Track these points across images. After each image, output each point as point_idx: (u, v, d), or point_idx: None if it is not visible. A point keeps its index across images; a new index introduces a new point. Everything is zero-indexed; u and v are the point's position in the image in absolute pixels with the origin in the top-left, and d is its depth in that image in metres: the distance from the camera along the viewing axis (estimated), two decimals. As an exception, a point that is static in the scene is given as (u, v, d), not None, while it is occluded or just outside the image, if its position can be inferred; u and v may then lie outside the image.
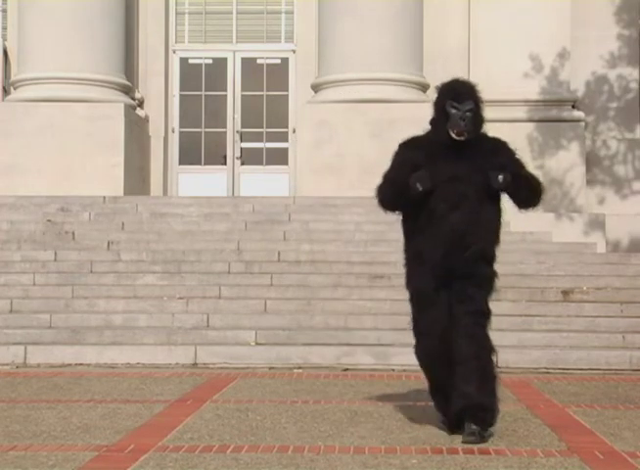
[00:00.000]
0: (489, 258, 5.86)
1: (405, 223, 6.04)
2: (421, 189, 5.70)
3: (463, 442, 5.55)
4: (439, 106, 5.86)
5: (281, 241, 12.10)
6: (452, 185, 5.71)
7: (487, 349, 5.77)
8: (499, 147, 5.96)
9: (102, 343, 9.62)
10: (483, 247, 5.78)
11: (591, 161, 15.91)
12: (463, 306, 5.73)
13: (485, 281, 5.82)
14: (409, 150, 5.94)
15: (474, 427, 5.57)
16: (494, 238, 5.87)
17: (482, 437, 5.57)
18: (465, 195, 5.71)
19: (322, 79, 15.10)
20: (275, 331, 9.83)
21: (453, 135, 5.77)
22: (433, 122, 5.93)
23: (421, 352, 6.00)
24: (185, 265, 11.42)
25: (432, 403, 6.80)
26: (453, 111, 5.77)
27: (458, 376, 5.67)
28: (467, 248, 5.70)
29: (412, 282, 5.96)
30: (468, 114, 5.78)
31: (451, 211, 5.69)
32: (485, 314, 5.80)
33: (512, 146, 6.03)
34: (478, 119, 5.83)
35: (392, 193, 5.97)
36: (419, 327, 5.96)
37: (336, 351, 9.36)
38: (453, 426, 5.78)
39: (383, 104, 14.43)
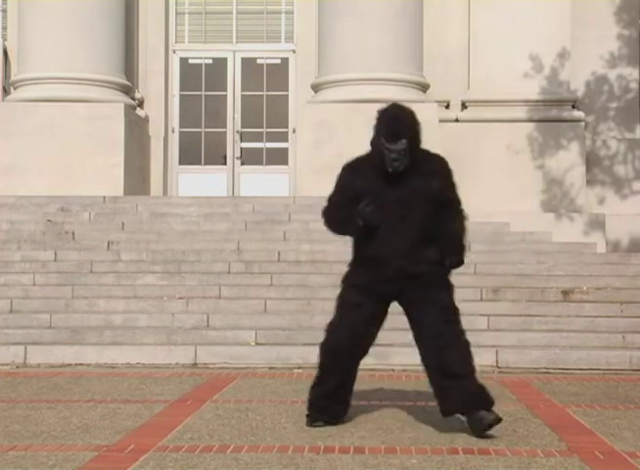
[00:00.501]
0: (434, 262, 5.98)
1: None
2: (365, 223, 5.87)
3: (484, 429, 5.71)
4: (375, 140, 5.98)
5: (281, 241, 12.10)
6: (393, 210, 5.86)
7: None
8: (438, 169, 6.05)
9: (102, 343, 9.62)
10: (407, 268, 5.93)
11: (591, 161, 15.91)
12: (428, 311, 5.93)
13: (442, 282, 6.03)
14: (351, 174, 6.07)
15: (483, 412, 5.74)
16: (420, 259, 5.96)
17: (494, 413, 5.75)
18: (404, 219, 5.87)
19: (322, 79, 15.10)
20: (275, 331, 9.83)
21: (390, 170, 5.88)
22: (372, 145, 6.04)
23: (332, 344, 6.12)
24: (185, 265, 11.42)
25: (432, 403, 6.81)
26: (386, 152, 5.86)
27: (446, 370, 5.83)
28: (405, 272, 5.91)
29: (350, 281, 6.21)
30: (402, 152, 5.85)
31: (391, 237, 5.87)
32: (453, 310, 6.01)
33: (449, 166, 6.10)
34: (412, 151, 5.88)
35: (339, 221, 6.13)
36: (337, 323, 6.17)
37: (336, 351, 9.35)
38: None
39: (383, 104, 14.40)
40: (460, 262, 6.01)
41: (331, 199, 6.18)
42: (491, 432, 5.77)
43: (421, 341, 6.04)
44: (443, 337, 5.90)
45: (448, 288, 6.04)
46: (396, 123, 5.89)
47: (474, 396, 5.84)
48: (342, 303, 6.22)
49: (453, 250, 5.98)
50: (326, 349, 6.16)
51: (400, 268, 5.92)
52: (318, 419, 6.08)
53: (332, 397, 6.12)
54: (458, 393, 5.82)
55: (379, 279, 5.99)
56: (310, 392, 6.18)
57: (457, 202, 6.08)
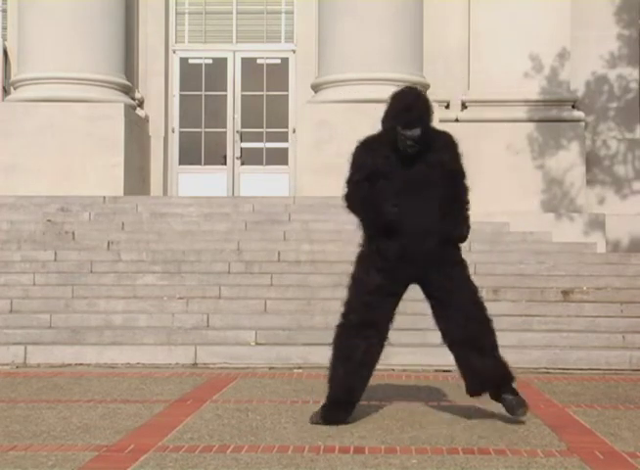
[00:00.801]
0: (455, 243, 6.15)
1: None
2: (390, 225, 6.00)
3: (517, 414, 6.07)
4: (389, 124, 6.05)
5: (281, 241, 12.10)
6: (411, 188, 5.94)
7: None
8: (446, 143, 6.15)
9: (102, 343, 9.62)
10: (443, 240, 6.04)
11: (591, 161, 15.91)
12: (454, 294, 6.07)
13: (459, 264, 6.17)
14: (366, 152, 6.14)
15: (510, 396, 6.08)
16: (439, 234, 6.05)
17: (520, 396, 6.09)
18: (424, 197, 5.96)
19: (322, 79, 15.10)
20: (275, 331, 9.83)
21: (407, 149, 5.97)
22: (384, 126, 6.12)
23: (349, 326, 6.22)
24: (185, 265, 11.42)
25: (432, 403, 6.83)
26: (402, 137, 5.95)
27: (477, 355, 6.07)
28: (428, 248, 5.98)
29: (370, 262, 6.14)
30: (417, 138, 5.94)
31: (412, 216, 5.94)
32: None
33: (455, 140, 6.21)
34: (426, 134, 5.96)
35: (361, 203, 6.22)
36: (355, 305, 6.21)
37: (336, 351, 9.34)
38: None
39: (383, 104, 14.37)
40: (464, 238, 6.15)
41: (350, 180, 6.24)
42: (490, 432, 5.78)
43: (447, 318, 6.11)
44: (472, 314, 6.06)
45: (466, 266, 6.20)
46: (412, 112, 5.94)
47: (499, 376, 6.10)
48: (361, 284, 6.17)
49: (464, 224, 6.14)
50: (341, 332, 6.20)
51: (427, 249, 5.98)
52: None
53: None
54: (486, 372, 6.06)
55: (404, 261, 6.01)
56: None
57: (462, 174, 6.18)
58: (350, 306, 6.21)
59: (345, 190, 6.27)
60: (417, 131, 5.91)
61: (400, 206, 5.95)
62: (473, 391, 6.21)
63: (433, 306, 6.19)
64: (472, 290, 6.17)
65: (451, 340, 6.16)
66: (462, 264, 6.18)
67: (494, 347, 6.13)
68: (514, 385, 6.19)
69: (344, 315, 6.25)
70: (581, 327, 10.03)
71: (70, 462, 5.05)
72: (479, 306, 6.14)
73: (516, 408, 6.10)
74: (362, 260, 6.22)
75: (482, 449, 5.39)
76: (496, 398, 6.19)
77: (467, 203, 6.22)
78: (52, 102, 14.71)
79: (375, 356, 6.18)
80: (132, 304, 10.50)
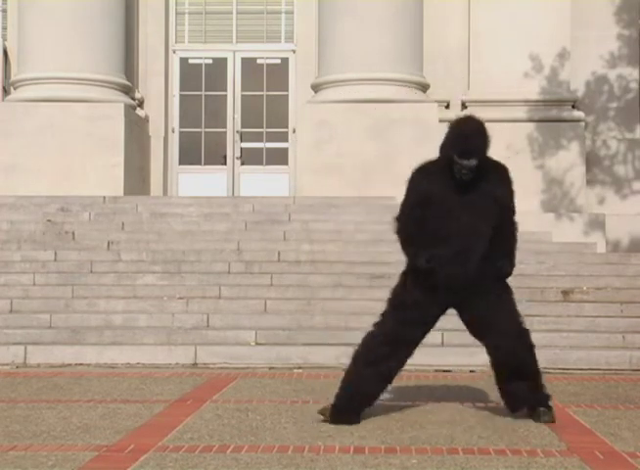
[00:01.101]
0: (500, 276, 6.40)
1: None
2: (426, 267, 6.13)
3: (540, 421, 6.21)
4: (446, 152, 6.09)
5: (281, 241, 12.10)
6: (462, 215, 6.05)
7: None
8: (503, 177, 6.35)
9: (102, 343, 9.62)
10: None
11: (591, 161, 15.91)
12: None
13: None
14: (422, 178, 6.21)
15: (543, 410, 6.26)
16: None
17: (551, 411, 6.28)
18: (474, 225, 6.07)
19: (322, 79, 15.10)
20: (275, 331, 9.83)
21: (462, 177, 6.07)
22: (441, 153, 6.18)
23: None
24: (185, 265, 11.42)
25: (432, 403, 6.82)
26: (457, 166, 6.02)
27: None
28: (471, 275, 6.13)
29: (413, 281, 6.22)
30: (472, 168, 6.03)
31: (455, 241, 6.05)
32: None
33: (510, 175, 6.42)
34: (482, 164, 6.06)
35: (408, 237, 6.28)
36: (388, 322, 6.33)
37: (336, 351, 9.35)
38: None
39: (383, 104, 14.44)
40: (509, 274, 6.41)
41: (403, 209, 6.28)
42: (490, 432, 5.78)
43: (488, 344, 6.31)
44: (512, 343, 6.21)
45: (511, 292, 6.45)
46: (470, 142, 6.01)
47: (536, 399, 6.31)
48: (399, 300, 6.29)
49: (508, 260, 6.38)
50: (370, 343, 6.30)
51: (469, 277, 6.12)
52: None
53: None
54: (527, 393, 6.28)
55: (445, 286, 6.12)
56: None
57: (513, 211, 6.38)
58: (385, 319, 6.31)
59: (398, 213, 6.31)
60: (473, 161, 5.99)
61: (448, 229, 6.06)
62: (511, 409, 6.40)
63: (472, 330, 6.38)
64: (514, 319, 6.30)
65: (492, 362, 6.38)
66: (507, 291, 6.42)
67: (535, 372, 6.33)
68: (550, 403, 6.36)
69: (378, 325, 6.33)
70: (581, 327, 10.03)
71: (70, 462, 5.05)
72: (520, 334, 6.29)
73: (542, 416, 6.24)
74: (404, 276, 6.34)
75: (482, 449, 5.39)
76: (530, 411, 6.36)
77: (516, 241, 6.42)
78: (52, 102, 14.71)
79: (394, 372, 6.29)
80: (132, 304, 10.50)
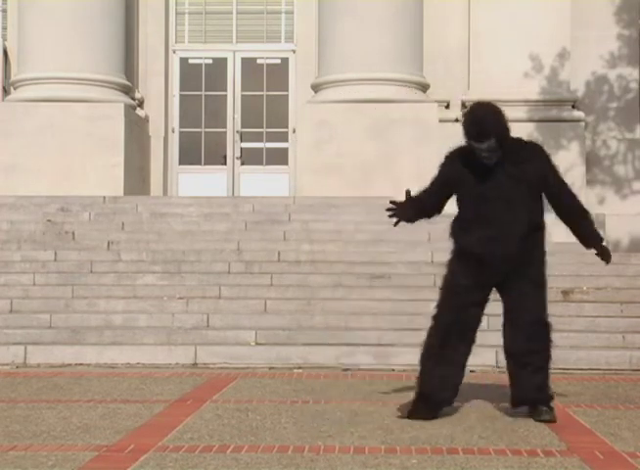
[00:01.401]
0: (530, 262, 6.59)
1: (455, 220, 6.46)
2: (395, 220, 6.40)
3: (539, 420, 6.21)
4: (465, 138, 6.22)
5: (281, 241, 12.10)
6: (491, 199, 6.19)
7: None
8: (535, 154, 6.48)
9: (102, 343, 9.62)
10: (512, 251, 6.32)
11: (591, 161, 15.91)
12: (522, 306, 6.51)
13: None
14: (450, 162, 6.39)
15: (543, 408, 6.27)
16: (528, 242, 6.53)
17: (552, 411, 6.27)
18: (503, 207, 6.20)
19: (322, 79, 15.10)
20: (275, 331, 9.83)
21: (485, 161, 6.19)
22: (465, 140, 6.31)
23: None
24: (185, 265, 11.42)
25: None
26: (476, 149, 6.15)
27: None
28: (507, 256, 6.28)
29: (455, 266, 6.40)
30: (490, 149, 6.12)
31: (489, 218, 6.19)
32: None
33: (545, 150, 6.62)
34: (502, 144, 6.15)
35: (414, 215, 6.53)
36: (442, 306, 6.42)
37: (336, 351, 9.36)
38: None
39: (383, 104, 14.44)
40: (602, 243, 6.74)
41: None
42: (490, 432, 5.78)
43: (507, 332, 6.41)
44: (530, 333, 6.45)
45: (544, 284, 6.77)
46: (483, 125, 6.10)
47: (543, 395, 6.32)
48: (448, 286, 6.40)
49: (595, 237, 6.86)
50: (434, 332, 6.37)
51: (507, 258, 6.27)
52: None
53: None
54: (531, 387, 6.29)
55: (486, 269, 6.26)
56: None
57: (565, 184, 6.59)
58: (440, 308, 6.37)
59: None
60: (489, 143, 6.07)
61: (478, 214, 6.20)
62: (513, 403, 6.44)
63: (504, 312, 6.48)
64: (539, 304, 6.71)
65: (505, 350, 6.45)
66: (540, 284, 6.81)
67: (544, 369, 6.38)
68: (551, 404, 6.36)
69: (436, 317, 6.38)
70: (581, 327, 10.02)
71: (70, 462, 5.04)
72: (540, 325, 6.62)
73: (542, 414, 6.26)
74: (449, 263, 6.46)
75: (482, 449, 5.39)
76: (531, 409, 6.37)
77: (586, 211, 6.86)
78: (52, 102, 14.72)
79: (464, 358, 6.37)
80: (132, 304, 10.50)
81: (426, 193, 6.40)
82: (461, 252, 6.33)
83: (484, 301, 6.41)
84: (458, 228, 6.34)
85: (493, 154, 6.12)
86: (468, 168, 6.23)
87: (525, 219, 6.33)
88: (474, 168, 6.21)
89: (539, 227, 6.69)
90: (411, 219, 6.49)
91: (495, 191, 6.17)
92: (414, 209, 6.41)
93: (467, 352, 6.37)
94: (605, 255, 6.89)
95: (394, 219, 6.42)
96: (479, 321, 6.41)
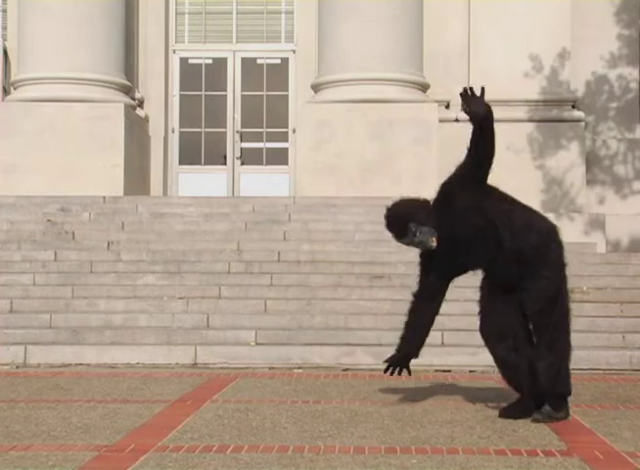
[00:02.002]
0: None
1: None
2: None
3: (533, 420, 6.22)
4: None
5: (281, 241, 12.10)
6: (461, 262, 6.39)
7: None
8: (443, 200, 6.35)
9: (102, 343, 9.62)
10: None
11: (591, 161, 15.91)
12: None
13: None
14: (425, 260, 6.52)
15: (548, 408, 6.24)
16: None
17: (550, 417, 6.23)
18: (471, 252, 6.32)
19: (322, 79, 15.10)
20: (275, 331, 9.82)
21: (430, 249, 6.32)
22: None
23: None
24: (185, 265, 11.42)
25: (432, 403, 6.81)
26: (405, 244, 6.45)
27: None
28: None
29: None
30: (415, 239, 6.28)
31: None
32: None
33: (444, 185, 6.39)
34: (425, 226, 6.24)
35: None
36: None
37: (336, 351, 9.36)
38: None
39: (383, 104, 14.44)
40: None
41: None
42: (490, 432, 5.80)
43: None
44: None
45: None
46: (391, 230, 6.36)
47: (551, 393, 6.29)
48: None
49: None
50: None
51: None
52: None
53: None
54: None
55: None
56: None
57: (463, 173, 6.31)
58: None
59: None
60: (405, 241, 6.30)
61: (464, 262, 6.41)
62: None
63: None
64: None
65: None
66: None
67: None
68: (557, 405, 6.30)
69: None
70: (581, 327, 10.00)
71: (70, 462, 5.04)
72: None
73: (541, 415, 6.24)
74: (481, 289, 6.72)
75: (482, 449, 5.39)
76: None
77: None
78: (52, 102, 14.72)
79: None
80: (132, 304, 10.50)
81: (431, 282, 6.47)
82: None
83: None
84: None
85: (421, 239, 6.22)
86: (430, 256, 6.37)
87: (493, 247, 6.34)
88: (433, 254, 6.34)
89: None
90: (419, 346, 6.61)
91: (454, 248, 6.29)
92: (420, 325, 6.55)
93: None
94: (466, 99, 6.50)
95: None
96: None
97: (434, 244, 6.23)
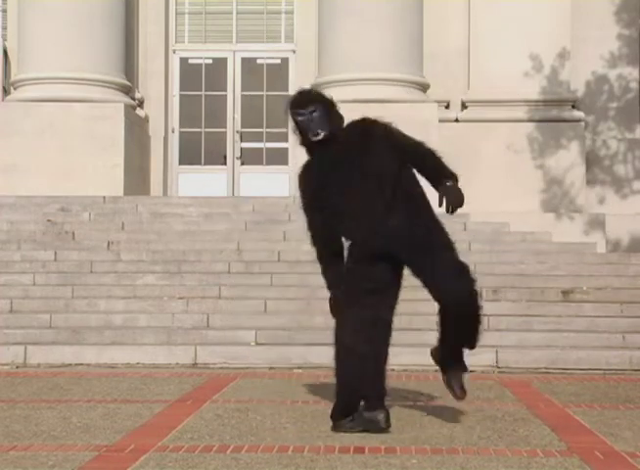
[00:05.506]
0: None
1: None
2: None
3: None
4: (292, 122, 6.04)
5: (281, 241, 12.10)
6: (347, 190, 5.92)
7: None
8: (366, 129, 5.99)
9: (102, 343, 9.62)
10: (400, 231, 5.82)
11: (591, 160, 15.91)
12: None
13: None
14: (303, 180, 6.32)
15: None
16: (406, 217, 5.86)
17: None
18: (357, 198, 5.86)
19: (322, 79, 15.10)
20: (275, 331, 9.83)
21: (312, 138, 6.00)
22: (300, 143, 6.22)
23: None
24: (185, 265, 11.42)
25: (432, 403, 6.82)
26: (299, 118, 5.95)
27: None
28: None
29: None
30: (313, 115, 5.91)
31: (359, 214, 5.86)
32: None
33: (381, 120, 6.04)
34: (329, 117, 5.94)
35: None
36: None
37: (336, 351, 9.34)
38: None
39: (383, 104, 14.41)
40: (456, 178, 5.82)
41: (309, 226, 6.44)
42: (490, 432, 5.81)
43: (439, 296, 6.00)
44: (459, 282, 5.94)
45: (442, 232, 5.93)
46: (302, 94, 6.03)
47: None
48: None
49: (444, 172, 5.80)
50: None
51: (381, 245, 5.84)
52: None
53: None
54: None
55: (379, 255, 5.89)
56: None
57: (412, 143, 6.00)
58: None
59: (310, 236, 6.58)
60: (310, 108, 5.88)
61: (344, 210, 6.00)
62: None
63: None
64: (451, 262, 5.94)
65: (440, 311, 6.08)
66: (440, 241, 5.91)
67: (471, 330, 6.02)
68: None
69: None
70: (581, 327, 10.03)
71: (70, 462, 5.04)
72: (460, 274, 5.99)
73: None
74: (348, 273, 6.23)
75: (482, 449, 5.38)
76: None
77: (440, 157, 5.93)
78: (52, 102, 14.72)
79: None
80: (132, 304, 10.50)
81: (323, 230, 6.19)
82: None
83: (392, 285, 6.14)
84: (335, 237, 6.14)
85: (317, 124, 5.88)
86: (317, 175, 6.09)
87: (387, 196, 5.81)
88: (321, 171, 6.05)
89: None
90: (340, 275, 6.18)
91: (348, 180, 5.89)
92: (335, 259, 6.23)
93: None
94: (448, 195, 5.68)
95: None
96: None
97: (321, 137, 5.92)
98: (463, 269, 5.94)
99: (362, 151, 5.90)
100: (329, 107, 5.96)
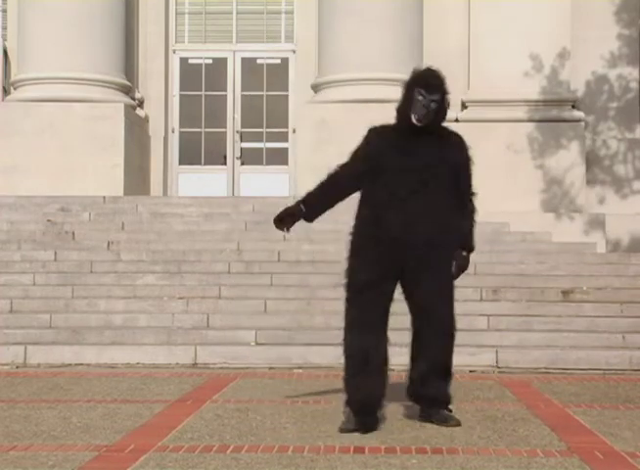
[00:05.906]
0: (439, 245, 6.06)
1: (361, 203, 6.20)
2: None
3: (445, 425, 6.03)
4: (408, 92, 6.04)
5: (281, 241, 12.09)
6: (409, 174, 5.94)
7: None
8: (458, 143, 6.22)
9: (102, 343, 9.62)
10: (432, 235, 5.99)
11: (591, 160, 15.91)
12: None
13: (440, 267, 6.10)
14: (372, 137, 6.30)
15: (446, 413, 6.13)
16: (444, 227, 6.10)
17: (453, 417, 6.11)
18: (420, 184, 5.95)
19: (322, 79, 15.10)
20: (275, 331, 9.82)
21: (414, 120, 5.96)
22: (398, 109, 6.16)
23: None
24: (185, 265, 11.42)
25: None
26: (419, 97, 5.93)
27: None
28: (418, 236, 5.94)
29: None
30: (432, 104, 5.94)
31: (406, 200, 5.92)
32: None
33: (466, 143, 6.32)
34: (441, 112, 6.01)
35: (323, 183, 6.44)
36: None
37: (336, 351, 9.29)
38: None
39: (383, 104, 14.38)
40: (467, 262, 6.25)
41: (344, 165, 6.42)
42: (490, 432, 5.79)
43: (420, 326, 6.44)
44: (443, 337, 6.29)
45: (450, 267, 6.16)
46: (434, 77, 6.00)
47: (444, 397, 6.14)
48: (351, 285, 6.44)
49: (466, 243, 6.32)
50: None
51: (421, 241, 5.96)
52: None
53: None
54: (434, 391, 6.12)
55: (392, 250, 6.02)
56: None
57: (472, 193, 6.52)
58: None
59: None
60: (435, 96, 5.93)
61: (395, 192, 5.97)
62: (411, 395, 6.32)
63: (407, 301, 6.52)
64: (447, 315, 6.29)
65: (412, 342, 6.55)
66: (447, 278, 6.18)
67: (447, 370, 6.20)
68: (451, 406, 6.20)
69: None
70: (581, 327, 10.03)
71: (70, 462, 5.04)
72: (447, 330, 6.33)
73: (449, 420, 6.07)
74: (349, 257, 6.42)
75: (482, 449, 5.39)
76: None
77: (474, 226, 6.54)
78: (52, 102, 14.72)
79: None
80: (132, 304, 10.50)
81: (346, 168, 6.26)
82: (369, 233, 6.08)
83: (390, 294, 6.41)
84: (371, 209, 6.06)
85: (431, 113, 5.90)
86: (390, 144, 6.05)
87: (441, 201, 6.09)
88: (396, 144, 6.03)
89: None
90: (316, 213, 6.35)
91: (415, 169, 5.94)
92: (323, 198, 6.29)
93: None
94: (460, 261, 6.22)
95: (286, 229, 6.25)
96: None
97: (421, 125, 5.93)
98: (451, 333, 6.27)
99: (450, 158, 6.11)
100: (446, 102, 6.04)
